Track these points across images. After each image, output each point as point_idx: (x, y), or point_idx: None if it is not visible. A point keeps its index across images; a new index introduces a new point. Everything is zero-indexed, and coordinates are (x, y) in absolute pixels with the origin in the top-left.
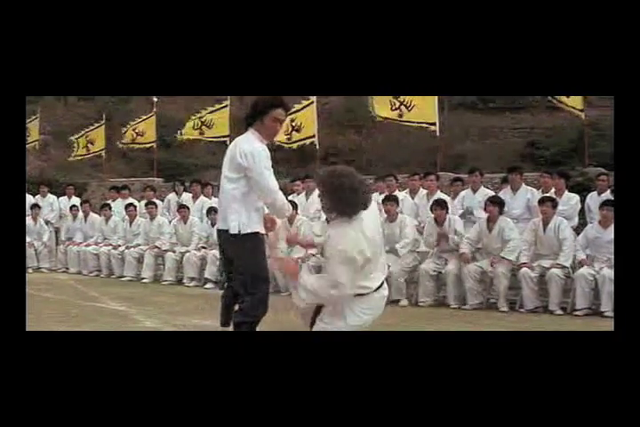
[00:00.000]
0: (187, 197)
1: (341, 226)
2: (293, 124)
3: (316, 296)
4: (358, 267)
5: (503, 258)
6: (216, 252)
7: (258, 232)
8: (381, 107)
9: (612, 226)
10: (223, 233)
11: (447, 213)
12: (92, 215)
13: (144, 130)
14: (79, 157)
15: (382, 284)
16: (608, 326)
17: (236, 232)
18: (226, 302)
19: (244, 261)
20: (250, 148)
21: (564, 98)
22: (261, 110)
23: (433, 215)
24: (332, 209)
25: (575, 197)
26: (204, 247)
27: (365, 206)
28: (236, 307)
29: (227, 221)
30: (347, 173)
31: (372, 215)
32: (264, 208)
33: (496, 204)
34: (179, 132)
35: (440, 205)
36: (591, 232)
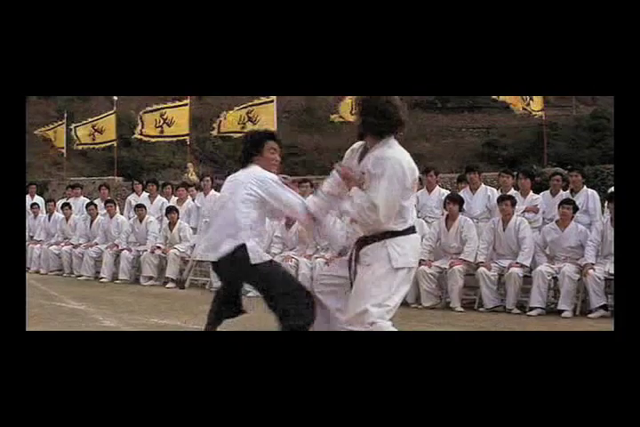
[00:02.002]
0: (145, 197)
1: (396, 146)
2: (250, 115)
3: (358, 214)
4: (400, 190)
5: (463, 260)
6: (176, 251)
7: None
8: (344, 109)
9: (571, 225)
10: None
11: None
12: (56, 214)
13: (103, 128)
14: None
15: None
16: (564, 325)
17: (256, 262)
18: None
19: (275, 287)
20: (255, 176)
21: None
22: (257, 143)
23: None
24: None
25: (539, 198)
26: (158, 247)
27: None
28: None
29: (227, 251)
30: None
31: None
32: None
33: (456, 201)
34: (136, 131)
35: None
36: (549, 233)
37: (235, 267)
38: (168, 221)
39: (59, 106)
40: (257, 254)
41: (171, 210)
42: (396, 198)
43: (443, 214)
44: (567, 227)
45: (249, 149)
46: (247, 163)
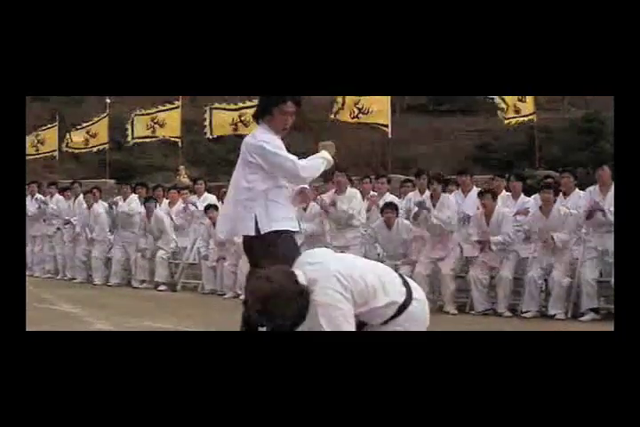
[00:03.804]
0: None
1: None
2: (242, 118)
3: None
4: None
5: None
6: (162, 255)
7: (279, 230)
8: (343, 114)
9: (554, 211)
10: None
11: (397, 215)
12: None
13: (96, 131)
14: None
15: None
16: (557, 327)
17: (254, 233)
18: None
19: (266, 262)
20: (254, 141)
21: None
22: (270, 104)
23: (383, 218)
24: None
25: (530, 201)
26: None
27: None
28: None
29: (243, 224)
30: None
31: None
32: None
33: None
34: (129, 135)
35: (390, 208)
36: (534, 220)
37: (248, 239)
38: (145, 212)
39: (51, 108)
40: (264, 222)
41: (149, 199)
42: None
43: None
44: (550, 213)
45: (261, 108)
46: (258, 120)
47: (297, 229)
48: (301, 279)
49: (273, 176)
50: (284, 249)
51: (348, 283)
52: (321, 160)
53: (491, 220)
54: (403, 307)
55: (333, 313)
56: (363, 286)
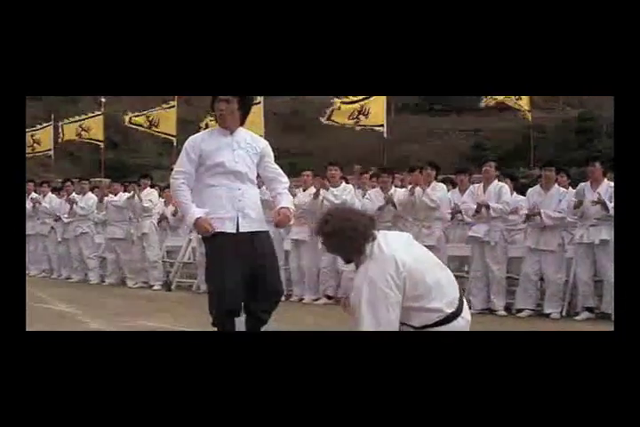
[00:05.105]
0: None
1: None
2: None
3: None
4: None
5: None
6: (152, 256)
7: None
8: (340, 115)
9: (555, 187)
10: None
11: (392, 182)
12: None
13: (90, 126)
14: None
15: (457, 310)
16: (552, 327)
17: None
18: None
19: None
20: None
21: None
22: (212, 104)
23: (378, 182)
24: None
25: (523, 200)
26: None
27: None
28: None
29: None
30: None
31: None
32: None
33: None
34: (126, 118)
35: (387, 173)
36: (533, 195)
37: None
38: (139, 187)
39: (46, 107)
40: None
41: (145, 176)
42: (384, 317)
43: None
44: (550, 190)
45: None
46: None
47: (224, 230)
48: (371, 244)
49: (206, 175)
50: (207, 248)
51: (403, 270)
52: (190, 211)
53: (488, 188)
54: (448, 319)
55: (380, 299)
56: (419, 279)
